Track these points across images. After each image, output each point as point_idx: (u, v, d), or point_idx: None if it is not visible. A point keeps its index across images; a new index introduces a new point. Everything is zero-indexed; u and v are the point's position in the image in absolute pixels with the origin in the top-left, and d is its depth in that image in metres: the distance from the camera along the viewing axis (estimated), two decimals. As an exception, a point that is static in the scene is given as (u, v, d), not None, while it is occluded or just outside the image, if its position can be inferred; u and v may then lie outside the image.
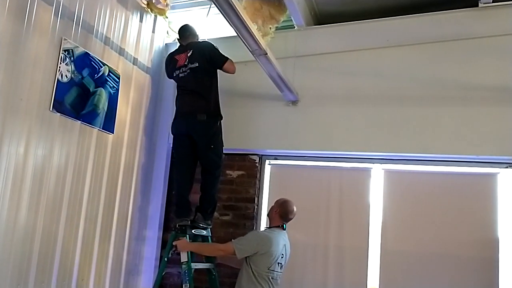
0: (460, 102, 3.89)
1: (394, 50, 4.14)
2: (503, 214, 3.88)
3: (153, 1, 4.28)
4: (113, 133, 3.85)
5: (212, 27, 4.41)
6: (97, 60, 3.63)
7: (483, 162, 3.94)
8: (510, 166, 3.90)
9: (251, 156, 4.48)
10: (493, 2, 3.81)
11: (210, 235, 3.94)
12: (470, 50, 3.95)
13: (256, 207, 4.41)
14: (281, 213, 3.65)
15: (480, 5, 3.87)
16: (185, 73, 3.87)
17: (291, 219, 3.66)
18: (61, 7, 3.24)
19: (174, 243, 3.70)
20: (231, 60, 3.82)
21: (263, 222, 4.32)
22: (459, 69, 3.94)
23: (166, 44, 4.67)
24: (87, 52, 3.52)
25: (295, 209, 3.65)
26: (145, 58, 4.34)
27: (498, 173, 3.96)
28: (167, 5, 4.30)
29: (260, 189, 4.47)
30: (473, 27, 3.96)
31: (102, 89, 3.70)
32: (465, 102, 3.87)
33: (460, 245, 3.91)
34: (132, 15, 4.12)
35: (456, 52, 3.98)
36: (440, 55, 4.02)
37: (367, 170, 4.23)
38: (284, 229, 3.65)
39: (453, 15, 4.00)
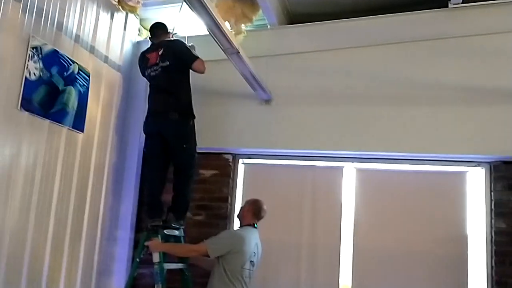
0: (430, 102, 3.95)
1: (366, 50, 4.18)
2: (472, 212, 3.96)
3: (124, -1, 4.22)
4: (83, 132, 3.78)
5: (185, 25, 4.37)
6: (67, 58, 3.56)
7: (452, 160, 4.03)
8: (478, 164, 3.99)
9: (224, 155, 4.46)
10: (462, 3, 3.88)
11: (183, 235, 3.91)
12: (440, 50, 4.01)
13: (229, 206, 4.39)
14: (254, 211, 3.66)
15: (450, 5, 3.95)
16: (157, 72, 3.83)
17: (262, 217, 3.68)
18: (29, 3, 3.16)
19: (146, 244, 3.66)
20: (201, 60, 3.76)
21: (237, 222, 4.30)
22: (429, 69, 4.01)
23: (137, 42, 4.60)
24: (56, 50, 3.44)
25: (265, 207, 3.67)
26: (116, 56, 4.27)
27: (467, 171, 4.04)
28: (138, 2, 4.24)
29: (234, 188, 4.46)
30: (443, 27, 4.03)
31: (72, 87, 3.63)
32: (435, 102, 3.94)
33: (431, 242, 3.98)
34: (103, 12, 4.05)
35: (427, 52, 4.04)
36: (410, 55, 4.07)
37: (339, 169, 4.27)
38: (256, 228, 3.65)
39: (423, 16, 4.07)
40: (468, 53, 3.95)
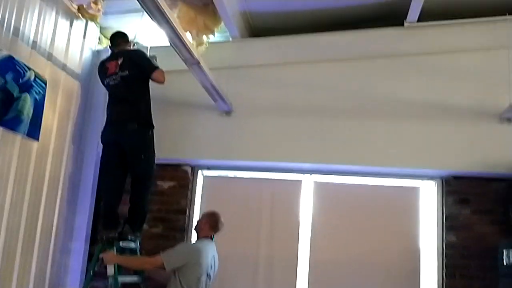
0: (386, 116, 4.07)
1: (325, 64, 4.27)
2: (425, 226, 4.08)
3: (85, 6, 4.16)
4: (38, 140, 3.68)
5: (147, 34, 4.35)
6: (22, 65, 3.47)
7: (406, 175, 4.14)
8: (431, 179, 4.11)
9: (183, 167, 4.44)
10: (418, 21, 4.02)
11: (139, 247, 3.84)
12: (397, 67, 4.14)
13: (187, 219, 4.37)
14: (211, 224, 3.64)
15: (406, 24, 4.08)
16: (116, 81, 3.78)
17: (220, 229, 3.67)
18: (-17, 8, 3.09)
19: (100, 256, 3.57)
20: (161, 70, 3.73)
21: (194, 235, 4.26)
22: (386, 84, 4.13)
23: (97, 50, 4.54)
24: (11, 56, 3.35)
25: (222, 220, 3.66)
26: (74, 64, 4.19)
27: (420, 186, 4.16)
28: (99, 10, 4.18)
29: (192, 200, 4.44)
30: (399, 45, 4.17)
31: (27, 94, 3.54)
32: (391, 116, 4.06)
33: (386, 255, 4.07)
34: (62, 19, 3.97)
35: (384, 68, 4.16)
36: (368, 70, 4.19)
37: (298, 182, 4.31)
38: (213, 240, 3.64)
39: (380, 33, 4.20)
40: (423, 70, 4.10)
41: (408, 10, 3.94)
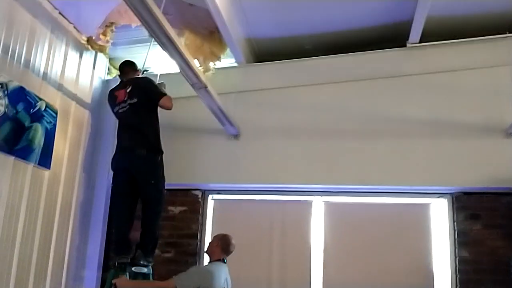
0: (393, 135, 4.09)
1: (330, 86, 4.33)
2: (437, 242, 4.05)
3: (93, 38, 4.27)
4: (49, 169, 3.74)
5: (155, 62, 4.44)
6: (33, 95, 3.55)
7: (416, 192, 4.14)
8: (441, 196, 4.11)
9: (193, 191, 4.47)
10: (419, 42, 4.08)
11: (151, 272, 3.82)
12: (402, 87, 4.19)
13: (198, 243, 4.37)
14: (223, 246, 3.62)
15: (408, 45, 4.14)
16: (125, 109, 3.84)
17: (231, 251, 3.64)
18: (-5, 40, 3.19)
19: (113, 282, 3.56)
20: (169, 96, 3.79)
21: (206, 258, 4.26)
22: (391, 104, 4.17)
23: (107, 80, 4.64)
24: (22, 87, 3.43)
25: (234, 242, 3.64)
26: (84, 94, 4.29)
27: (431, 203, 4.16)
28: (107, 41, 4.30)
29: (203, 224, 4.45)
30: (403, 65, 4.22)
31: (38, 124, 3.61)
32: (398, 135, 4.08)
33: (399, 274, 4.04)
34: (72, 51, 4.08)
35: (389, 88, 4.21)
36: (372, 91, 4.24)
37: (308, 203, 4.32)
38: (225, 263, 3.62)
39: (384, 54, 4.26)
40: (428, 89, 4.14)
41: (409, 31, 4.01)
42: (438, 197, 4.12)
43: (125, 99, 3.85)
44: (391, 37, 4.22)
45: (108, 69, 4.74)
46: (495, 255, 3.84)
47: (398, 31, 4.14)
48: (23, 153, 3.45)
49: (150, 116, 3.87)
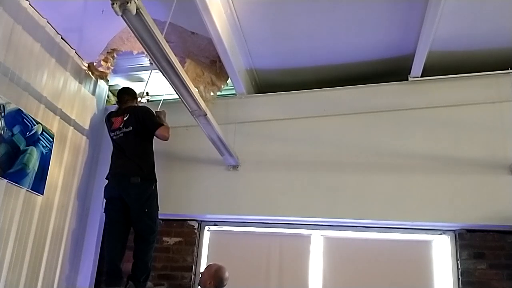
0: (395, 170, 4.01)
1: (331, 119, 4.28)
2: (439, 281, 3.91)
3: (95, 64, 4.26)
4: (42, 194, 3.65)
5: (154, 91, 4.43)
6: (30, 118, 3.50)
7: (418, 228, 4.03)
8: (444, 232, 4.00)
9: (189, 222, 4.36)
10: (421, 76, 4.07)
11: (143, 305, 3.70)
12: (403, 121, 4.14)
13: (193, 276, 4.23)
14: (216, 283, 3.48)
15: (410, 79, 4.12)
16: (119, 136, 3.82)
17: (225, 285, 3.51)
18: (-6, 62, 3.16)
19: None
20: (166, 127, 3.78)
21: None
22: (393, 138, 4.11)
23: (106, 107, 4.60)
24: (19, 109, 3.39)
25: (227, 274, 3.51)
26: (82, 119, 4.24)
27: (433, 240, 4.04)
28: (108, 68, 4.29)
29: (198, 257, 4.32)
30: (404, 99, 4.19)
31: (34, 148, 3.54)
32: (399, 170, 4.00)
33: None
34: (72, 76, 4.07)
35: (390, 122, 4.16)
36: (374, 124, 4.19)
37: (307, 237, 4.21)
38: (219, 297, 3.49)
39: (385, 88, 4.24)
40: (430, 124, 4.08)
41: (411, 65, 4.01)
42: (440, 234, 4.01)
43: (120, 126, 3.83)
44: (393, 70, 4.21)
45: (108, 96, 4.70)
46: (501, 297, 3.70)
47: (400, 65, 4.13)
48: (17, 177, 3.37)
49: (145, 145, 3.84)
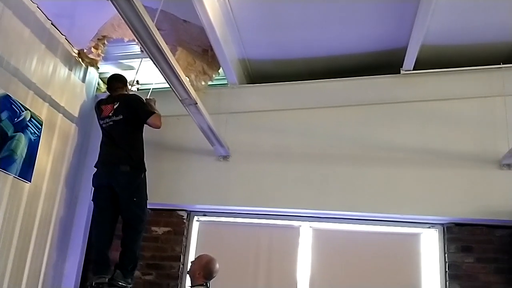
0: (385, 163, 4.00)
1: (323, 111, 4.26)
2: (427, 274, 3.93)
3: (85, 51, 4.21)
4: (30, 182, 3.61)
5: (145, 77, 4.38)
6: (19, 104, 3.46)
7: (406, 222, 4.03)
8: (432, 226, 4.01)
9: (178, 212, 4.34)
10: (413, 70, 4.06)
11: (130, 295, 3.68)
12: (394, 114, 4.13)
13: (181, 266, 4.22)
14: (205, 273, 3.46)
15: (402, 72, 4.11)
16: (109, 124, 3.78)
17: (214, 276, 3.50)
18: (-18, 47, 3.11)
19: (89, 303, 3.41)
20: (158, 115, 3.75)
21: (188, 282, 4.10)
22: (384, 131, 4.09)
23: (96, 95, 4.56)
24: (8, 95, 3.34)
25: (217, 266, 3.50)
26: (72, 107, 4.20)
27: (421, 233, 4.05)
28: (99, 55, 4.23)
29: (187, 247, 4.31)
30: (395, 92, 4.17)
31: (22, 134, 3.51)
32: (389, 163, 3.99)
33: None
34: (62, 62, 4.02)
35: (381, 115, 4.15)
36: (366, 117, 4.17)
37: (296, 228, 4.20)
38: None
39: (377, 81, 4.22)
40: (421, 117, 4.07)
41: (404, 58, 4.00)
42: (429, 227, 4.01)
43: (110, 114, 3.78)
44: (386, 63, 4.19)
45: (98, 84, 4.66)
46: (488, 290, 3.71)
47: (392, 58, 4.11)
48: (4, 163, 3.34)
49: (135, 134, 3.81)
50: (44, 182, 3.82)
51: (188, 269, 3.57)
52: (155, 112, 3.76)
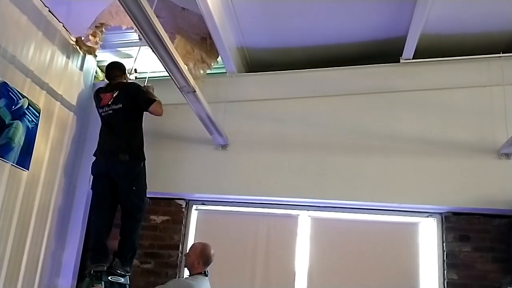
0: (383, 152, 4.01)
1: (321, 99, 4.25)
2: (425, 263, 3.95)
3: (83, 39, 4.18)
4: (28, 170, 3.59)
5: (143, 66, 4.36)
6: (16, 92, 3.43)
7: (405, 211, 4.05)
8: (430, 215, 4.02)
9: (177, 201, 4.34)
10: (413, 58, 4.05)
11: (129, 283, 3.69)
12: (393, 103, 4.12)
13: (180, 255, 4.22)
14: (203, 260, 3.46)
15: (401, 61, 4.10)
16: (108, 113, 3.75)
17: (211, 262, 3.49)
18: (-21, 34, 3.08)
19: (90, 290, 3.41)
20: (159, 102, 3.72)
21: (187, 271, 4.11)
22: (382, 120, 4.09)
23: (94, 83, 4.53)
24: (5, 82, 3.32)
25: (213, 250, 3.49)
26: (70, 95, 4.17)
27: (420, 222, 4.07)
28: (97, 43, 4.20)
29: (186, 235, 4.32)
30: (395, 81, 4.17)
31: (19, 122, 3.48)
32: (388, 152, 4.00)
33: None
34: (60, 50, 3.99)
35: (380, 104, 4.14)
36: (364, 106, 4.17)
37: (294, 217, 4.21)
38: (207, 275, 3.47)
39: (376, 70, 4.22)
40: (420, 106, 4.07)
41: (403, 47, 3.98)
42: (427, 217, 4.03)
43: (109, 103, 3.76)
44: (385, 52, 4.18)
45: (96, 73, 4.63)
46: (485, 279, 3.72)
47: (392, 47, 4.10)
48: (2, 151, 3.32)
49: (135, 122, 3.79)
50: (42, 170, 3.81)
51: (185, 262, 3.56)
52: (156, 100, 3.74)
